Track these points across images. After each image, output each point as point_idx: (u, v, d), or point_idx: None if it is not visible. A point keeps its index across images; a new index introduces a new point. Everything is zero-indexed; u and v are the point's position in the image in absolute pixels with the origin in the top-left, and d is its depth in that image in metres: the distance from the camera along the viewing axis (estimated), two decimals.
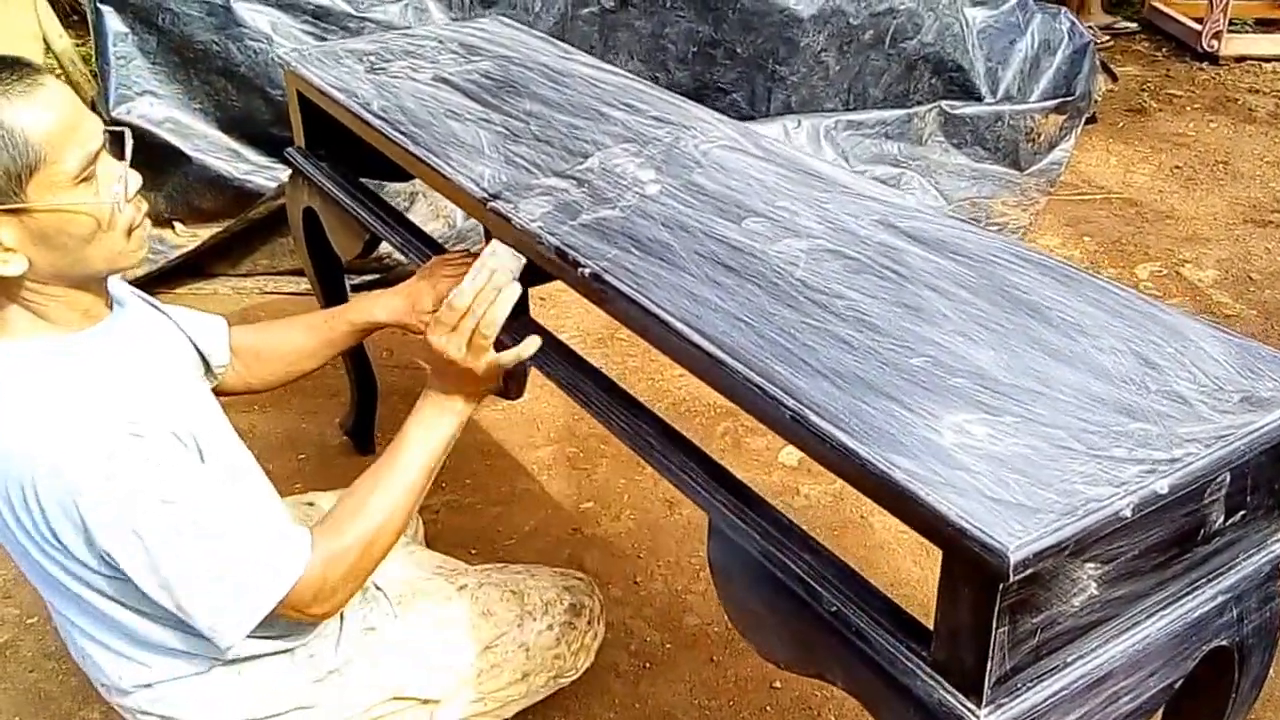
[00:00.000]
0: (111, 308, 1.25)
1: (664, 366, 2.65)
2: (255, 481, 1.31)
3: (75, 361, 1.15)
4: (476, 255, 1.47)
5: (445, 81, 1.84)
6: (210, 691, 1.29)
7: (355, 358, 2.24)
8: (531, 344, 1.33)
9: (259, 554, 1.16)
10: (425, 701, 1.41)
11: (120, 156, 1.18)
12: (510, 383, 2.51)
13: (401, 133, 1.63)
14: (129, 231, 1.18)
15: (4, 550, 1.20)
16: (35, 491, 1.08)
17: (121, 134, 1.20)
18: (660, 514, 2.21)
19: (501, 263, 1.32)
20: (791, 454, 2.33)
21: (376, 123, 1.67)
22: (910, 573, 2.01)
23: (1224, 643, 1.09)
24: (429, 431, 1.31)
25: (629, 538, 2.15)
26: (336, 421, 2.46)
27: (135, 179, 1.18)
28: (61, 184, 1.10)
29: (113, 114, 3.03)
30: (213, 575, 1.13)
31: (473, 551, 2.03)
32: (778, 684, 1.83)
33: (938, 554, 0.94)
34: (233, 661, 1.28)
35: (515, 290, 1.31)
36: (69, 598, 1.20)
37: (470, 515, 2.19)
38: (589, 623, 1.55)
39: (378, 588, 1.43)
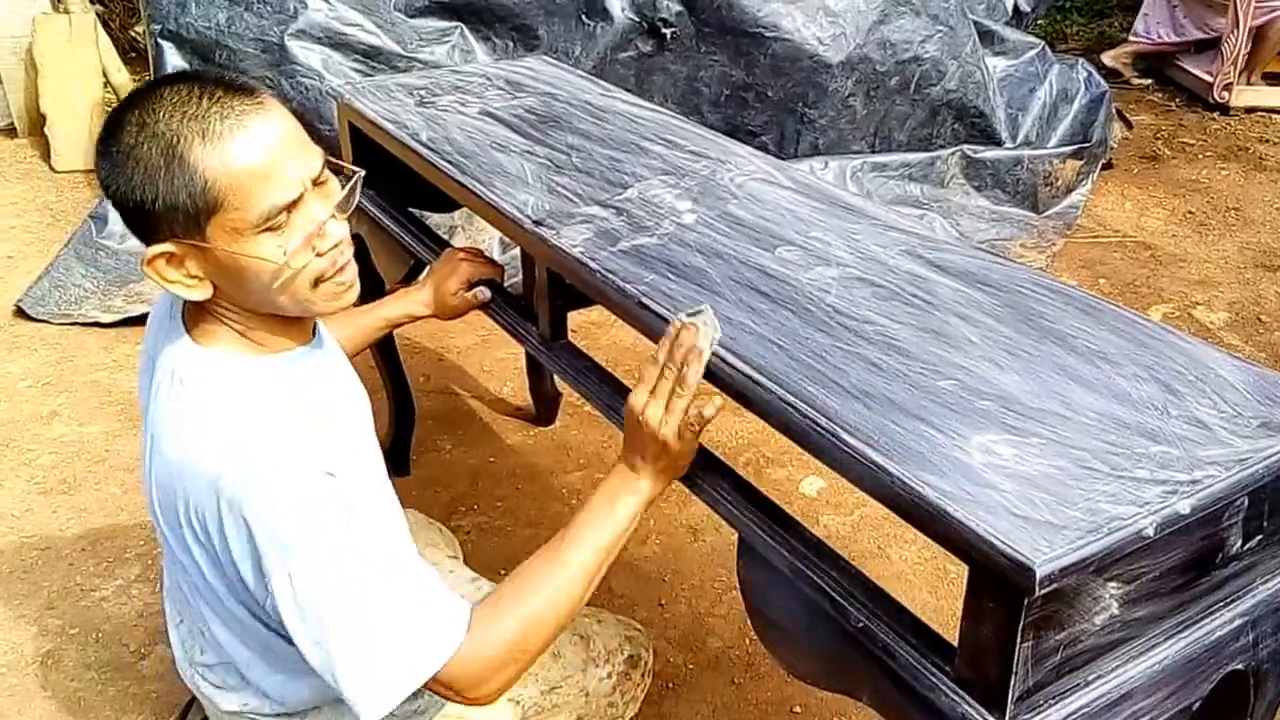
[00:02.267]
0: (314, 336, 1.22)
1: None
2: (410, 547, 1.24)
3: (276, 384, 1.12)
4: (479, 250, 1.59)
5: (491, 115, 1.91)
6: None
7: (395, 382, 2.31)
8: (713, 404, 1.19)
9: (417, 625, 1.07)
10: None
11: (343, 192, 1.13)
12: (542, 409, 2.57)
13: (449, 162, 1.69)
14: (316, 282, 1.12)
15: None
16: (229, 523, 1.05)
17: (351, 177, 1.14)
18: (685, 540, 2.24)
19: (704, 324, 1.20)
20: (811, 484, 2.36)
21: (425, 152, 1.74)
22: (926, 602, 2.03)
23: (1240, 666, 1.11)
24: (610, 509, 1.21)
25: (654, 562, 2.18)
26: None
27: (338, 230, 1.11)
28: (242, 230, 1.05)
29: None
30: (365, 638, 1.05)
31: (502, 573, 2.05)
32: (797, 709, 1.85)
33: (954, 584, 0.97)
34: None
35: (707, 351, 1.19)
36: (225, 616, 1.17)
37: (501, 537, 2.23)
38: (643, 675, 1.54)
39: None
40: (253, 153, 1.04)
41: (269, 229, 1.06)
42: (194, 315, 1.15)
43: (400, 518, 1.23)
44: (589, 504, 1.22)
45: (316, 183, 1.10)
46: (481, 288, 1.68)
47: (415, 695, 1.16)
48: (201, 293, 1.09)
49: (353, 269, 1.16)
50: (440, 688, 1.11)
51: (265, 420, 1.08)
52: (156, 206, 1.04)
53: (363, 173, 1.14)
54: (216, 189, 1.03)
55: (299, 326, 1.19)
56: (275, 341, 1.16)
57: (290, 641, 1.08)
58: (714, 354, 1.19)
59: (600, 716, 1.51)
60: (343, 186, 1.14)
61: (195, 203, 1.03)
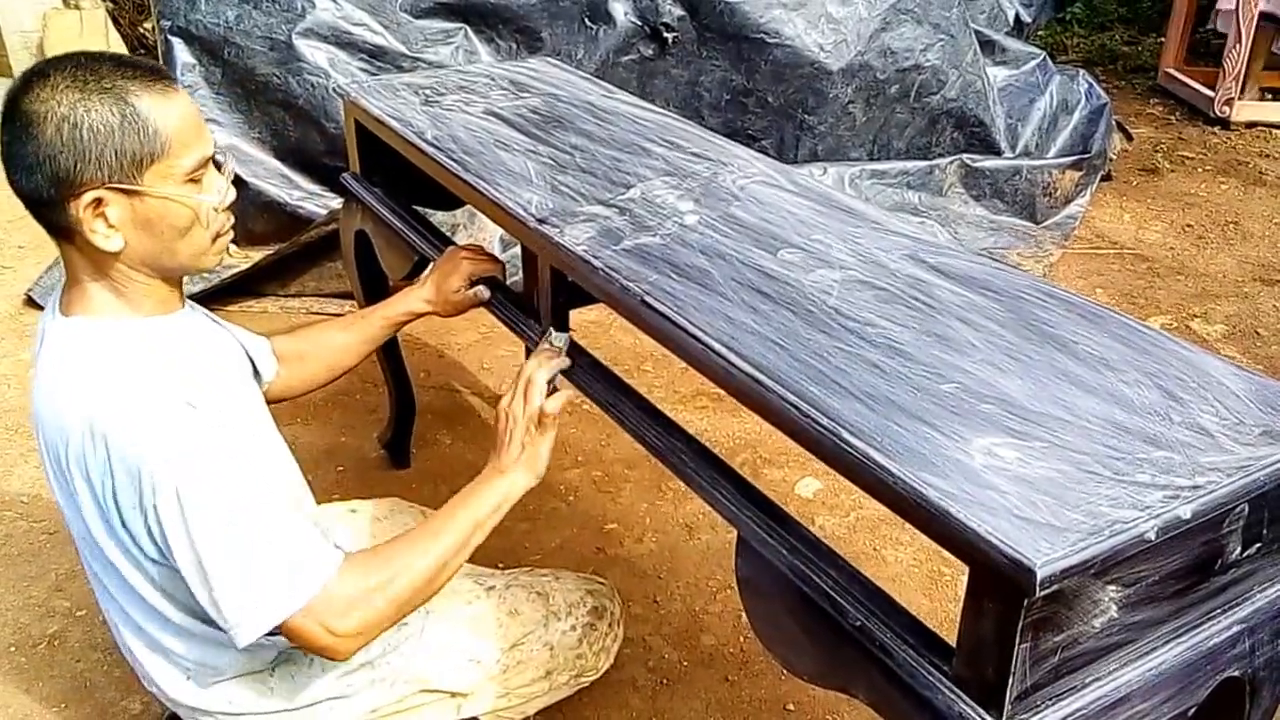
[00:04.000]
0: (183, 305, 1.31)
1: (684, 399, 2.70)
2: (296, 491, 1.36)
3: (144, 341, 1.21)
4: (480, 247, 1.70)
5: (495, 115, 1.91)
6: (243, 684, 1.33)
7: (396, 377, 2.32)
8: (554, 399, 1.40)
9: (289, 553, 1.16)
10: (454, 695, 1.45)
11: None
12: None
13: (454, 160, 1.70)
14: (215, 236, 1.26)
15: (70, 537, 1.25)
16: (106, 456, 1.13)
17: (224, 155, 1.30)
18: (680, 538, 2.25)
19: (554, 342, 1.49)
20: (807, 486, 2.37)
21: (430, 150, 1.74)
22: (921, 604, 2.04)
23: (1236, 673, 1.11)
24: (477, 489, 1.37)
25: (650, 559, 2.19)
26: (375, 436, 2.53)
27: (232, 193, 1.27)
28: (175, 177, 1.18)
29: None
30: (243, 564, 1.14)
31: (500, 565, 2.06)
32: (791, 707, 1.86)
33: (948, 587, 0.97)
34: (273, 662, 1.32)
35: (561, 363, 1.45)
36: (124, 588, 1.25)
37: (498, 532, 2.19)
38: (610, 625, 1.59)
39: None
40: (186, 110, 1.20)
41: (193, 179, 1.20)
42: (70, 290, 1.23)
43: (286, 458, 1.34)
44: (463, 489, 1.37)
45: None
46: (482, 286, 1.69)
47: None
48: (115, 242, 1.18)
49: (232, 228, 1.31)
50: (307, 623, 1.17)
51: (128, 364, 1.17)
52: (103, 154, 1.13)
53: (231, 153, 1.31)
54: (164, 136, 1.16)
55: (172, 291, 1.28)
56: (147, 305, 1.24)
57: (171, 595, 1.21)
58: (716, 353, 1.20)
59: (569, 669, 1.54)
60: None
61: (145, 147, 1.15)
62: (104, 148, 1.13)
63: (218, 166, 1.27)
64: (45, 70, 1.15)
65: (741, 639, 1.98)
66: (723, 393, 2.37)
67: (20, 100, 1.14)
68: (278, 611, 1.15)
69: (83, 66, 1.15)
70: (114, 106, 1.14)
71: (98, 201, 1.16)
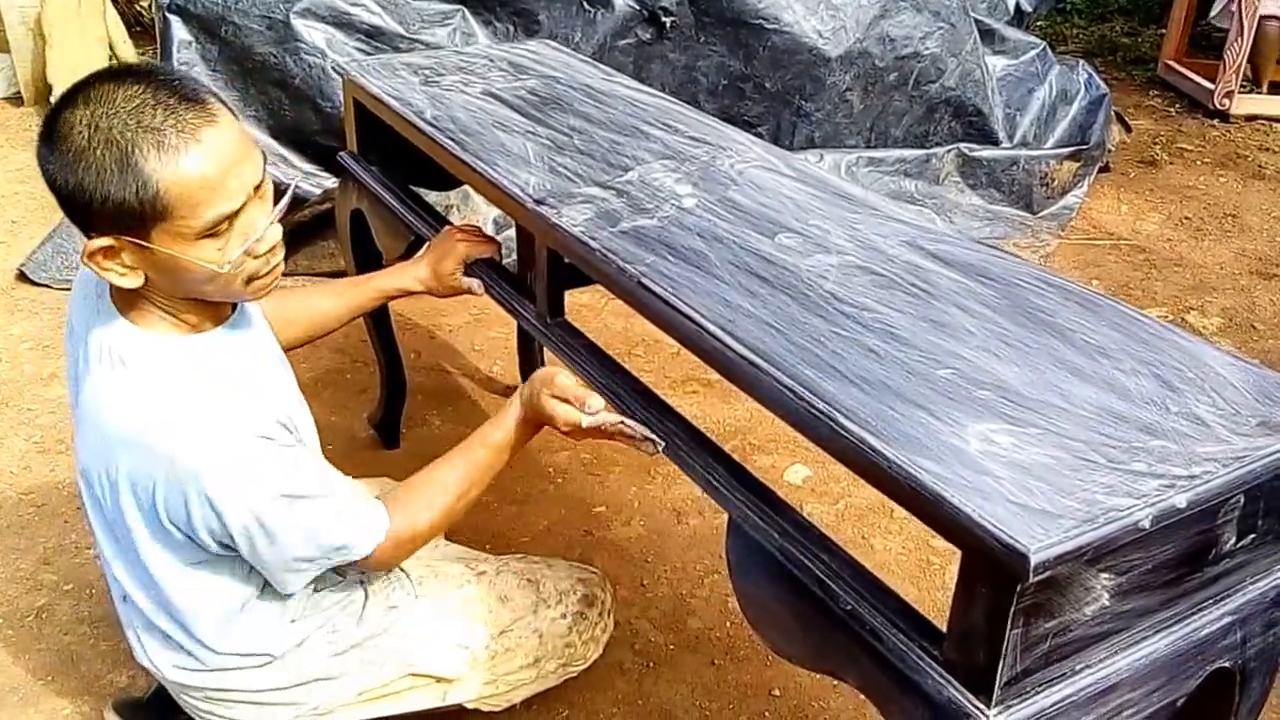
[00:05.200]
0: (234, 310, 1.29)
1: (674, 384, 2.69)
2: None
3: (204, 363, 1.20)
4: (477, 228, 1.68)
5: (494, 96, 1.90)
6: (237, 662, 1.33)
7: (388, 357, 2.32)
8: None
9: (349, 519, 1.27)
10: (440, 679, 1.45)
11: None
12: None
13: (452, 139, 1.69)
14: (249, 281, 1.20)
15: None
16: (167, 486, 1.15)
17: (284, 190, 1.24)
18: (669, 522, 2.25)
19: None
20: (796, 473, 2.37)
21: (428, 129, 1.74)
22: (908, 592, 2.03)
23: (1226, 664, 1.11)
24: (492, 429, 1.42)
25: (638, 543, 2.19)
26: (365, 416, 2.52)
27: (273, 234, 1.19)
28: (186, 236, 1.11)
29: None
30: (308, 536, 1.23)
31: (488, 547, 2.07)
32: (776, 692, 1.86)
33: (936, 575, 0.97)
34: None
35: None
36: (139, 568, 1.26)
37: (487, 513, 2.24)
38: (600, 614, 1.59)
39: (401, 569, 1.47)
40: (203, 166, 1.09)
41: (211, 235, 1.12)
42: (125, 296, 1.19)
43: (318, 455, 1.36)
44: (492, 423, 1.43)
45: (256, 187, 1.16)
46: (476, 280, 1.67)
47: (387, 596, 1.44)
48: (134, 281, 1.14)
49: (281, 265, 1.24)
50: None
51: (202, 396, 1.16)
52: (105, 206, 1.08)
53: (295, 183, 1.25)
54: (167, 199, 1.08)
55: (224, 306, 1.26)
56: (202, 322, 1.23)
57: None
58: (711, 335, 1.20)
59: (558, 657, 1.53)
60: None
61: (144, 208, 1.08)
62: (106, 201, 1.07)
63: (279, 193, 1.20)
64: (86, 90, 1.09)
65: (728, 623, 1.98)
66: (713, 379, 2.38)
67: (59, 114, 1.10)
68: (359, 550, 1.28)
69: (104, 103, 1.08)
70: (116, 163, 1.06)
71: (108, 249, 1.12)
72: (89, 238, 1.12)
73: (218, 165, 1.10)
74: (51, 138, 1.09)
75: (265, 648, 1.33)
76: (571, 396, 1.33)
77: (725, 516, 1.23)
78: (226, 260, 1.14)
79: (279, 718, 1.40)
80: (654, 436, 1.30)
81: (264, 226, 1.16)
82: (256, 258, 1.18)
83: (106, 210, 1.08)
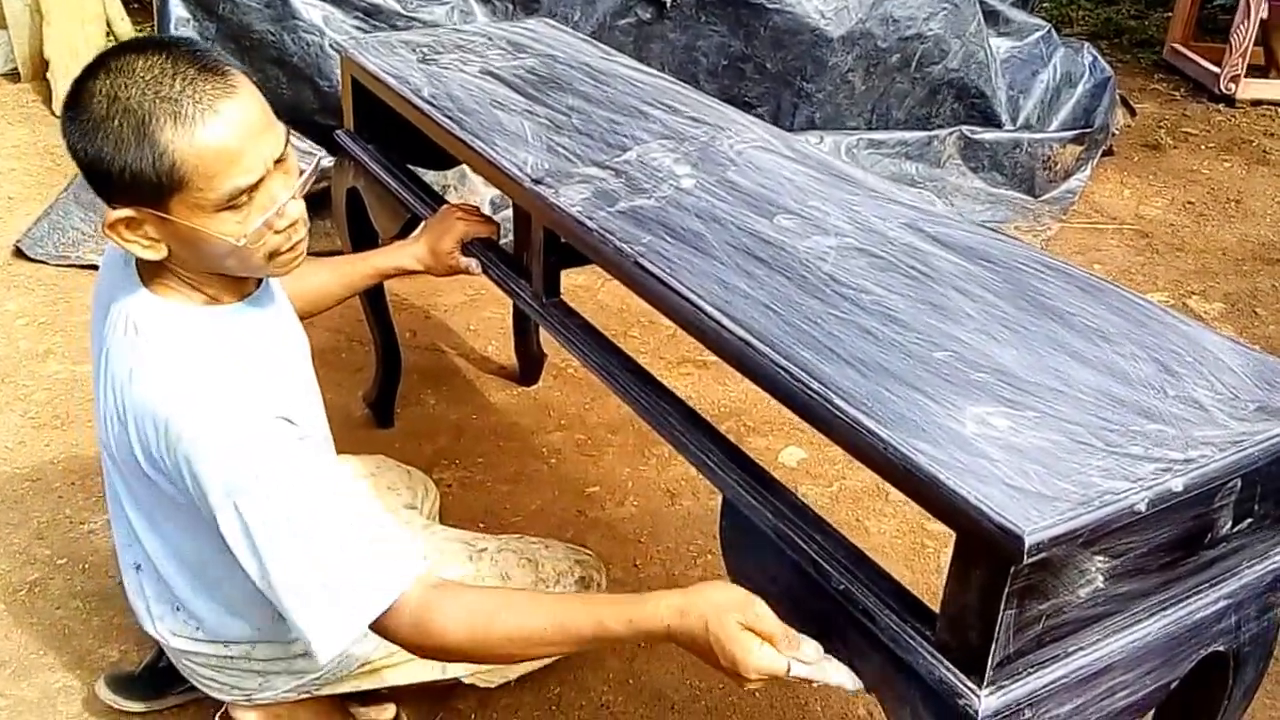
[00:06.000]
0: (259, 285, 1.28)
1: (669, 365, 2.69)
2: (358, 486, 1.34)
3: (224, 336, 1.19)
4: (475, 208, 1.66)
5: (492, 75, 1.89)
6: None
7: (383, 336, 2.31)
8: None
9: (368, 563, 1.11)
10: None
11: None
12: (526, 368, 2.58)
13: (449, 118, 1.68)
14: (271, 256, 1.18)
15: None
16: (174, 456, 1.13)
17: (305, 157, 1.24)
18: (662, 503, 2.25)
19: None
20: (791, 455, 2.37)
21: (426, 108, 1.73)
22: (902, 575, 2.01)
23: (1221, 648, 1.12)
24: (623, 613, 1.12)
25: (631, 523, 2.19)
26: (360, 395, 2.52)
27: (295, 209, 1.17)
28: (205, 207, 1.10)
29: None
30: (315, 580, 1.11)
31: (481, 525, 2.08)
32: None
33: (929, 558, 0.96)
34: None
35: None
36: (164, 539, 1.27)
37: (480, 492, 2.24)
38: None
39: None
40: (222, 137, 1.08)
41: (230, 207, 1.11)
42: (149, 267, 1.20)
43: (329, 448, 1.31)
44: (619, 599, 1.15)
45: (278, 161, 1.14)
46: (474, 260, 1.67)
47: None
48: (157, 253, 1.15)
49: (305, 240, 1.22)
50: (385, 630, 1.14)
51: (217, 368, 1.14)
52: (124, 176, 1.08)
53: (323, 154, 1.22)
54: (184, 169, 1.07)
55: (246, 281, 1.25)
56: (221, 294, 1.22)
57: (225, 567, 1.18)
58: (708, 316, 1.19)
59: None
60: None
61: (161, 179, 1.07)
62: (125, 170, 1.07)
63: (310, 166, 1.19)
64: (108, 60, 1.09)
65: None
66: (708, 360, 2.38)
67: (82, 83, 1.09)
68: (356, 625, 1.12)
69: (124, 72, 1.07)
70: (134, 132, 1.06)
71: (129, 219, 1.12)
72: (111, 208, 1.12)
73: (235, 137, 1.09)
74: (74, 107, 1.09)
75: (271, 619, 1.33)
76: (779, 635, 1.05)
77: (719, 497, 1.23)
78: (245, 233, 1.13)
79: (281, 686, 1.41)
80: (854, 677, 1.07)
81: (284, 200, 1.15)
82: (278, 232, 1.16)
83: (125, 180, 1.08)
